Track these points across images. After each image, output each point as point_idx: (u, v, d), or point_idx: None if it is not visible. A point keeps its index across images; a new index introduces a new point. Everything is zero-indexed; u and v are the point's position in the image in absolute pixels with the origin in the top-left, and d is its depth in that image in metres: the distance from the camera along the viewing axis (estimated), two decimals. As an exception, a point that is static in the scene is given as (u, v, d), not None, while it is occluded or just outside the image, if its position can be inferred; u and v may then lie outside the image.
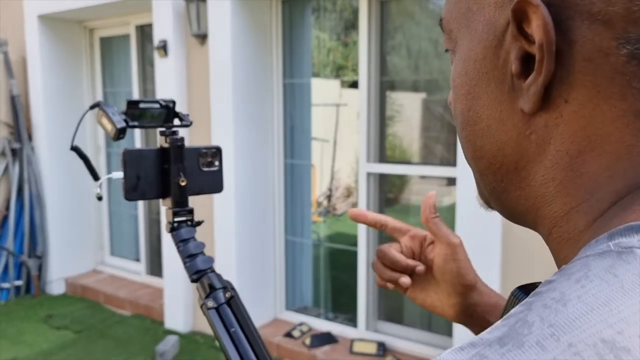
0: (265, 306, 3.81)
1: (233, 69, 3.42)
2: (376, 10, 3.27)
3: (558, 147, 0.35)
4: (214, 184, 0.93)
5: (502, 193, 0.41)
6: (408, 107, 3.53)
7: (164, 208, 0.90)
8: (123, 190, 0.87)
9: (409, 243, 0.72)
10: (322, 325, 3.68)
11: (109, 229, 5.05)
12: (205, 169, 0.92)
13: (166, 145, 0.88)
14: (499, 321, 0.30)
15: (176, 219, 0.88)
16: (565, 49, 0.33)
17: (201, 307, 0.80)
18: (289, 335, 3.58)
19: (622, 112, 0.33)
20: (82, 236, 4.93)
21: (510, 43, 0.35)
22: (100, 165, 4.98)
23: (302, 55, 3.78)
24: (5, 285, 4.58)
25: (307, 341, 3.47)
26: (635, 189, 0.33)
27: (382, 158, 3.42)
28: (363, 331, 3.46)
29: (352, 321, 3.60)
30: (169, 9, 3.69)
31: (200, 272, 0.82)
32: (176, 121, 0.94)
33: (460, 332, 2.73)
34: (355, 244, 3.53)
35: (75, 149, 0.94)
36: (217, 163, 0.93)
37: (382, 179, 3.44)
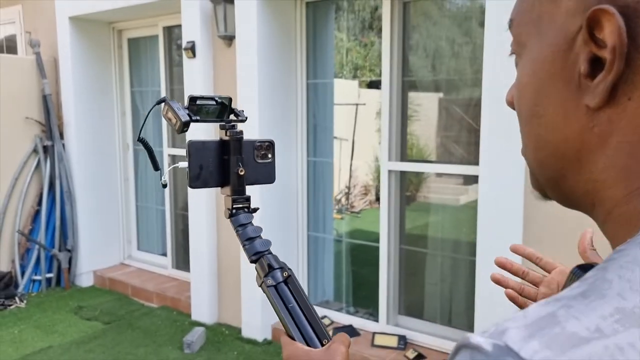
0: (288, 300, 3.91)
1: (259, 69, 3.53)
2: (399, 10, 3.36)
3: (620, 139, 0.40)
4: (267, 175, 1.03)
5: (561, 180, 0.45)
6: (429, 106, 3.61)
7: (223, 196, 1.00)
8: (187, 178, 0.97)
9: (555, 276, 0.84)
10: (343, 319, 3.78)
11: (136, 224, 5.20)
12: (260, 160, 1.02)
13: (226, 137, 0.98)
14: (574, 284, 0.35)
15: (235, 206, 0.98)
16: (632, 52, 0.38)
17: (260, 285, 0.89)
18: (311, 328, 3.67)
19: None
20: (111, 231, 5.09)
21: (580, 47, 0.40)
22: (128, 161, 5.13)
23: (325, 56, 3.88)
24: (37, 277, 4.76)
25: (330, 334, 3.56)
26: None
27: (403, 156, 3.50)
28: (384, 325, 3.55)
29: (373, 315, 3.69)
30: (197, 11, 3.82)
31: (258, 253, 0.92)
32: (232, 116, 1.04)
33: (481, 325, 2.81)
34: (375, 240, 3.61)
35: (142, 140, 1.04)
36: (270, 156, 1.03)
37: (403, 176, 3.52)
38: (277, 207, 3.73)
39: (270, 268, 0.89)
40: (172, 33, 4.62)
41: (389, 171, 3.43)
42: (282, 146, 3.75)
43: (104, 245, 5.04)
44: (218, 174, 0.99)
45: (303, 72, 3.79)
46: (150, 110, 1.07)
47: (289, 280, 0.89)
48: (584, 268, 0.48)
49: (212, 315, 4.09)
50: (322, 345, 0.81)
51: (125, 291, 4.73)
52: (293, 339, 0.83)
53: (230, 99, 1.05)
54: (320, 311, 3.89)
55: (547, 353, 0.30)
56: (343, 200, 7.64)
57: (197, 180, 0.97)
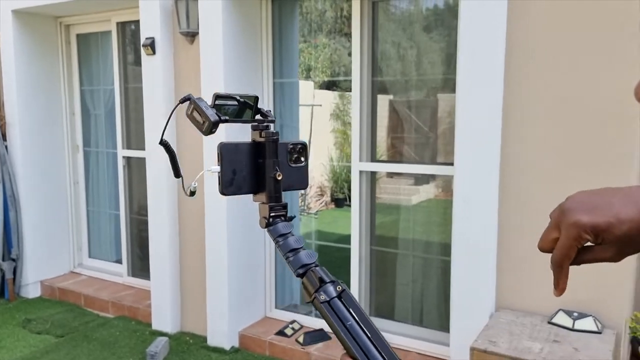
0: (255, 305, 3.81)
1: (225, 67, 3.41)
2: (368, 11, 3.33)
3: None
4: (301, 180, 0.95)
5: None
6: (400, 107, 3.60)
7: (257, 203, 0.91)
8: (219, 184, 0.88)
9: None
10: (313, 322, 3.72)
11: (87, 230, 4.93)
12: (293, 164, 0.94)
13: (261, 139, 0.90)
14: None
15: (272, 214, 0.89)
16: None
17: (311, 301, 0.80)
18: (281, 333, 3.60)
19: None
20: (59, 238, 4.80)
21: None
22: (78, 163, 4.86)
23: (291, 55, 3.80)
24: (-22, 289, 4.41)
25: (301, 339, 3.50)
26: None
27: (373, 157, 3.48)
28: (356, 327, 3.51)
29: (344, 318, 3.65)
30: (156, 6, 3.65)
31: (305, 266, 0.84)
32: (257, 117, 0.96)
33: (457, 323, 2.82)
34: (337, 241, 3.58)
35: (164, 144, 0.94)
36: (303, 159, 0.95)
37: (374, 177, 3.50)
38: (244, 210, 3.62)
39: (322, 282, 0.81)
40: (126, 29, 4.41)
41: (360, 172, 3.40)
42: (249, 147, 3.64)
43: (52, 254, 4.74)
44: (252, 178, 0.90)
45: (270, 71, 3.70)
46: (173, 110, 0.97)
47: (343, 294, 0.80)
48: None
49: (174, 323, 3.92)
50: None
51: (77, 301, 4.47)
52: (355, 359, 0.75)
53: (256, 98, 0.96)
54: (289, 316, 3.81)
55: None
56: (299, 201, 7.59)
57: (230, 186, 0.88)
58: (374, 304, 3.63)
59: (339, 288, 0.80)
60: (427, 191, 3.72)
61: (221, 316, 3.61)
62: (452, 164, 2.88)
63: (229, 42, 3.42)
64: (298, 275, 0.84)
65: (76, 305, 4.45)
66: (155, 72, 3.70)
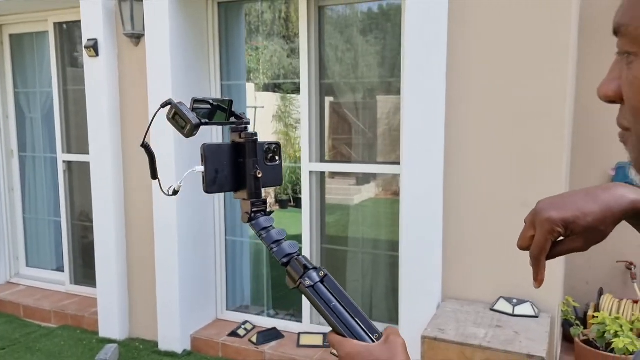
0: (207, 306, 3.81)
1: (172, 70, 3.39)
2: (315, 15, 3.42)
3: None
4: (276, 177, 1.01)
5: None
6: (347, 108, 3.71)
7: (239, 200, 0.97)
8: (204, 183, 0.93)
9: None
10: (265, 322, 3.76)
11: (25, 238, 4.73)
12: (269, 163, 1.00)
13: (240, 140, 0.96)
14: None
15: (253, 210, 0.95)
16: None
17: (297, 287, 0.87)
18: (234, 334, 3.61)
19: None
20: (-6, 247, 4.58)
21: None
22: (13, 169, 4.66)
23: (238, 57, 3.83)
24: None
25: (254, 339, 3.53)
26: None
27: (323, 157, 3.57)
28: (308, 325, 3.59)
29: (296, 316, 3.72)
30: (99, 7, 3.58)
31: (289, 255, 0.90)
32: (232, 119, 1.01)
33: (405, 315, 2.95)
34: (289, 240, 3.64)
35: (145, 146, 0.98)
36: (277, 158, 1.02)
37: (323, 177, 3.59)
38: (193, 212, 3.61)
39: (306, 269, 0.88)
40: (64, 29, 4.28)
41: (310, 172, 3.48)
42: (198, 149, 3.63)
43: (-13, 264, 4.53)
44: (233, 177, 0.96)
45: (217, 73, 3.71)
46: (155, 114, 1.00)
47: (326, 279, 0.88)
48: None
49: (123, 330, 3.85)
50: (372, 339, 0.81)
51: (16, 312, 4.28)
52: (342, 335, 0.82)
53: (231, 102, 1.02)
54: (241, 317, 3.83)
55: None
56: (244, 203, 7.59)
57: (214, 184, 0.94)
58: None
59: (321, 273, 0.88)
60: (370, 190, 3.86)
61: (172, 320, 3.58)
62: (398, 163, 3.01)
63: (176, 45, 3.41)
64: (283, 264, 0.91)
65: (15, 317, 4.27)
66: (98, 74, 3.63)
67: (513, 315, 2.63)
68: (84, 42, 3.62)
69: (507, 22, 2.67)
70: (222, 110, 1.03)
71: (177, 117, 0.94)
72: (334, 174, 3.97)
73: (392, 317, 3.41)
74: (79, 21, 3.71)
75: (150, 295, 3.70)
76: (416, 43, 2.79)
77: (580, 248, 0.70)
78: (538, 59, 2.62)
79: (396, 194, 3.40)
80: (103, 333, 3.86)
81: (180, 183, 0.99)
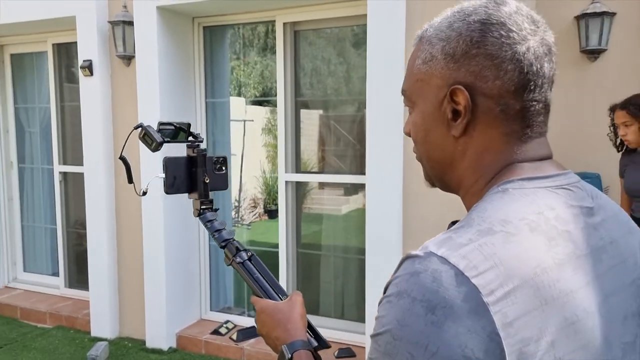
0: (192, 308, 4.09)
1: (160, 89, 3.71)
2: (290, 37, 3.75)
3: (471, 152, 0.72)
4: (222, 183, 1.32)
5: (443, 176, 0.79)
6: (320, 123, 4.04)
7: (192, 200, 1.27)
8: (164, 186, 1.24)
9: None
10: (246, 322, 4.04)
11: (22, 245, 5.01)
12: (217, 172, 1.31)
13: (193, 154, 1.26)
14: (457, 223, 0.65)
15: (202, 207, 1.26)
16: (474, 108, 0.70)
17: (230, 264, 1.18)
18: (216, 332, 3.90)
19: (498, 134, 0.70)
20: (-7, 253, 4.86)
21: (446, 104, 0.71)
22: (12, 180, 4.95)
23: (222, 76, 4.16)
24: None
25: (234, 336, 3.82)
26: (506, 166, 0.71)
27: (298, 168, 3.88)
28: (285, 323, 3.87)
29: (274, 316, 4.00)
30: (94, 30, 3.90)
31: (226, 240, 1.21)
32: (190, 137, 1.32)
33: (371, 318, 3.24)
34: (273, 247, 3.94)
35: (122, 158, 1.28)
36: (224, 168, 1.32)
37: (299, 186, 3.90)
38: (179, 219, 3.91)
39: (238, 250, 1.19)
40: (62, 50, 4.60)
41: (286, 182, 3.79)
42: (183, 161, 3.94)
43: (-14, 269, 4.80)
44: (187, 182, 1.26)
45: (202, 91, 4.03)
46: (130, 133, 1.31)
47: (252, 258, 1.19)
48: (454, 222, 0.86)
49: (113, 330, 4.12)
50: (282, 299, 1.12)
51: (13, 314, 4.55)
52: (261, 297, 1.13)
53: (189, 124, 1.34)
54: (223, 317, 4.11)
55: (447, 251, 0.59)
56: (233, 213, 7.86)
57: (172, 187, 1.25)
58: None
59: (249, 254, 1.19)
60: (358, 201, 4.16)
61: (159, 320, 3.86)
62: (364, 174, 3.32)
63: (163, 65, 3.73)
64: (221, 247, 1.22)
65: (12, 318, 4.54)
66: (93, 92, 3.94)
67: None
68: (80, 62, 3.94)
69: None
70: (183, 131, 1.34)
71: (146, 137, 1.26)
72: (323, 185, 4.24)
73: (361, 315, 3.70)
74: (76, 42, 4.03)
75: (139, 297, 3.98)
76: (377, 60, 3.10)
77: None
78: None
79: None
80: (95, 332, 4.14)
81: (147, 186, 1.30)
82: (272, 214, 9.06)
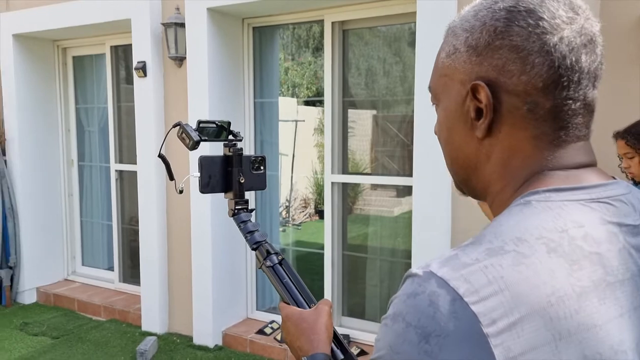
0: (238, 306, 4.13)
1: (209, 89, 3.76)
2: (339, 36, 3.72)
3: (497, 155, 0.65)
4: (260, 183, 1.30)
5: (468, 181, 0.71)
6: (368, 124, 3.98)
7: (227, 199, 1.26)
8: (199, 185, 1.23)
9: None
10: (291, 322, 4.03)
11: (81, 240, 5.22)
12: (254, 172, 1.29)
13: (229, 153, 1.25)
14: (469, 239, 0.57)
15: (236, 207, 1.24)
16: (497, 106, 0.63)
17: (260, 267, 1.15)
18: (261, 332, 3.91)
19: (526, 136, 0.63)
20: (54, 247, 5.09)
21: (469, 102, 0.65)
22: (72, 177, 5.17)
23: (271, 77, 4.17)
24: (-23, 295, 4.68)
25: (279, 337, 3.82)
26: (535, 174, 0.63)
27: (345, 169, 3.84)
28: (330, 325, 3.84)
29: (319, 317, 3.97)
30: (147, 33, 4.00)
31: (258, 242, 1.18)
32: (230, 136, 1.31)
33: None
34: (320, 248, 3.92)
35: (161, 156, 1.28)
36: (262, 168, 1.30)
37: (345, 188, 3.86)
38: (227, 219, 3.94)
39: (268, 253, 1.16)
40: (119, 52, 4.75)
41: (332, 183, 3.76)
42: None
43: (47, 262, 5.03)
44: (223, 182, 1.25)
45: (250, 92, 4.06)
46: (168, 132, 1.32)
47: (283, 262, 1.15)
48: None
49: (162, 325, 4.22)
50: (310, 307, 1.08)
51: (71, 306, 4.75)
52: (288, 304, 1.09)
53: (229, 123, 1.32)
54: (268, 317, 4.13)
55: (448, 271, 0.53)
56: (284, 213, 7.91)
57: (207, 187, 1.23)
58: (347, 305, 3.96)
59: (279, 257, 1.15)
60: (409, 203, 4.07)
61: (206, 317, 3.92)
62: (412, 176, 3.25)
63: (213, 67, 3.78)
64: (252, 249, 1.19)
65: (70, 310, 4.73)
66: (146, 93, 4.05)
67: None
68: (134, 64, 4.05)
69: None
70: (224, 130, 1.33)
71: (183, 135, 1.25)
72: (376, 186, 4.17)
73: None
74: (131, 44, 4.15)
75: (188, 294, 4.05)
76: (426, 61, 3.02)
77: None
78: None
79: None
80: (145, 327, 4.25)
81: (182, 184, 1.30)
82: (322, 214, 9.03)
